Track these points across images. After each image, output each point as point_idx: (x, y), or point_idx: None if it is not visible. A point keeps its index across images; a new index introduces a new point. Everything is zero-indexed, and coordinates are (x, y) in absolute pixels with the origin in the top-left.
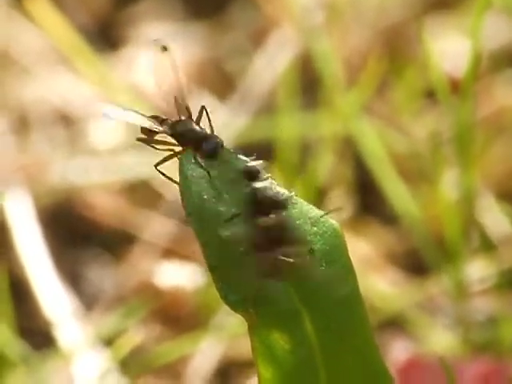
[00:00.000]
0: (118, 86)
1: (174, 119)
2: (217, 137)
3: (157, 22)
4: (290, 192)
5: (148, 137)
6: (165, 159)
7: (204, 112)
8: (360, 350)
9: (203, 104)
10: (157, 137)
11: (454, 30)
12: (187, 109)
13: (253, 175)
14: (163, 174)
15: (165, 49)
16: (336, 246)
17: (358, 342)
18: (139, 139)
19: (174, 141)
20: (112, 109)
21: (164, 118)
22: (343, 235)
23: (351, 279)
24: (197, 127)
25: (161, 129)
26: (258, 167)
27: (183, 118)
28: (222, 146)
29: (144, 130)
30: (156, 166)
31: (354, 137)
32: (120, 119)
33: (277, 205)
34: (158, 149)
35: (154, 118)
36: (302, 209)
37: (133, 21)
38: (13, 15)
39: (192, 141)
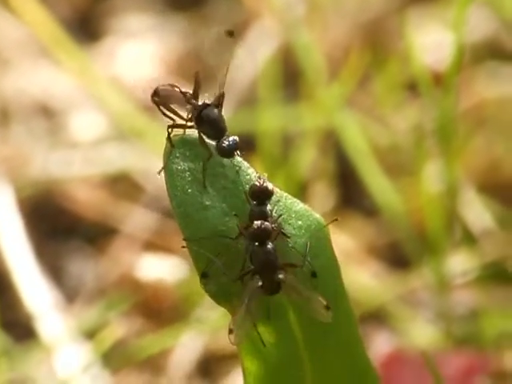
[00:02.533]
0: (98, 78)
1: (199, 102)
2: (236, 137)
3: (137, 14)
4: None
5: (163, 101)
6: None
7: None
8: (344, 343)
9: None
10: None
11: (435, 22)
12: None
13: (259, 196)
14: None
15: (231, 34)
16: (321, 239)
17: (342, 335)
18: (155, 101)
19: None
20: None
21: (188, 94)
22: (327, 228)
23: (336, 272)
24: (222, 118)
25: (180, 92)
26: (268, 187)
27: (208, 102)
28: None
29: (162, 91)
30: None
31: (335, 129)
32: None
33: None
34: (166, 116)
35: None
36: (286, 203)
37: (113, 13)
38: None
39: (214, 131)
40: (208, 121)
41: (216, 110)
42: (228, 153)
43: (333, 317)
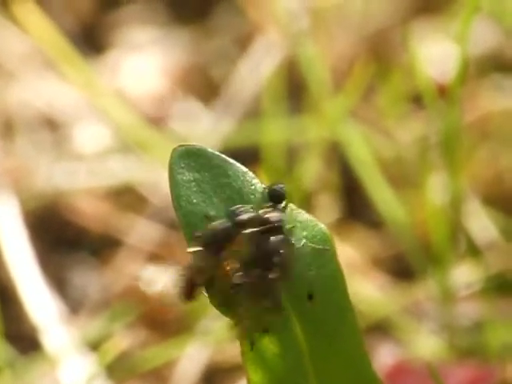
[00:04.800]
0: (102, 90)
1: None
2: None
3: (142, 27)
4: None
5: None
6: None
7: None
8: (349, 354)
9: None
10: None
11: (440, 34)
12: None
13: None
14: None
15: None
16: (326, 250)
17: (347, 346)
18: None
19: None
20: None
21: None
22: (333, 239)
23: (341, 282)
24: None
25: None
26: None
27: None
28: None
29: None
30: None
31: (340, 142)
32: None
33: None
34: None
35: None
36: (291, 213)
37: (118, 25)
38: None
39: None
40: None
41: None
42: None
43: (338, 328)
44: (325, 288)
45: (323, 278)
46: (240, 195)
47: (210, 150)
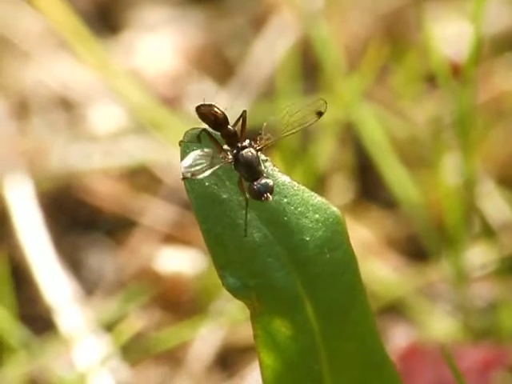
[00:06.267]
0: (117, 71)
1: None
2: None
3: (156, 7)
4: (293, 180)
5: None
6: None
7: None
8: (361, 336)
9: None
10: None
11: (454, 14)
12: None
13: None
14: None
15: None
16: (338, 232)
17: (359, 328)
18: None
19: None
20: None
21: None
22: (345, 222)
23: (353, 266)
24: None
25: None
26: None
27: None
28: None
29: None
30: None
31: (354, 122)
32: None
33: None
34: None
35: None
36: (304, 196)
37: (132, 5)
38: None
39: (250, 174)
40: (245, 163)
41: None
42: (258, 196)
43: (350, 311)
44: (337, 271)
45: (335, 261)
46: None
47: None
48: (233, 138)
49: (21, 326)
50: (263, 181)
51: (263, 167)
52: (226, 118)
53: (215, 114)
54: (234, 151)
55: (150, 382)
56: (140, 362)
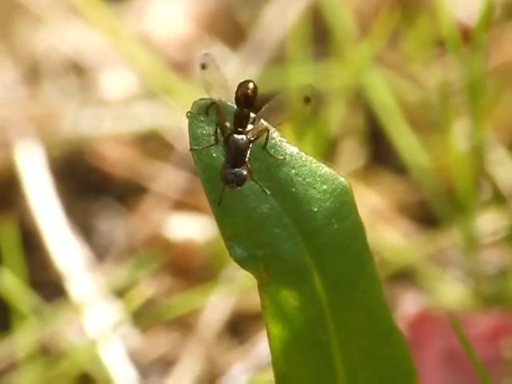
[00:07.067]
0: (128, 36)
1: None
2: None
3: None
4: (300, 151)
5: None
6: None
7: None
8: (369, 306)
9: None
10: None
11: None
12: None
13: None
14: None
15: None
16: (346, 203)
17: (366, 298)
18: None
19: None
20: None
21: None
22: (352, 192)
23: (361, 236)
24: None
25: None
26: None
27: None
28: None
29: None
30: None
31: (365, 87)
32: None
33: None
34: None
35: None
36: (311, 167)
37: None
38: None
39: (229, 159)
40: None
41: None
42: (225, 182)
43: (357, 281)
44: (344, 241)
45: (343, 231)
46: (259, 149)
47: (229, 103)
48: (243, 120)
49: (32, 293)
50: (236, 169)
51: (245, 159)
52: (253, 100)
53: (246, 94)
54: (230, 132)
55: (161, 348)
56: (151, 329)
